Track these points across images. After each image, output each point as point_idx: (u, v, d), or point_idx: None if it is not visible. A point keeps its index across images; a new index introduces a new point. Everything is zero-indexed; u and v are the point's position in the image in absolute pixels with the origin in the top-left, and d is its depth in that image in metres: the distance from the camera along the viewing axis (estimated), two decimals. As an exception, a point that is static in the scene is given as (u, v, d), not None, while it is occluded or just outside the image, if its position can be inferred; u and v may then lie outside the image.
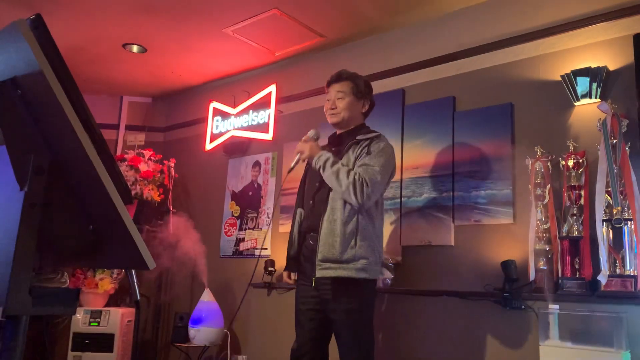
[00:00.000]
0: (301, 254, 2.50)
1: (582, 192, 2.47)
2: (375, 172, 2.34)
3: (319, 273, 2.31)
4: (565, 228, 2.47)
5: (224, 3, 3.20)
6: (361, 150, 2.43)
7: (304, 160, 2.51)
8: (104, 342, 3.71)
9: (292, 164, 2.51)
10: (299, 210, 2.59)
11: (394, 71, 3.36)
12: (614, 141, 2.34)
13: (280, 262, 3.28)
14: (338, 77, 2.56)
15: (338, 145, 2.54)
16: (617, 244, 2.34)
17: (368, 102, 2.59)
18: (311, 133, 2.53)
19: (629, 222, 2.28)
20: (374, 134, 2.49)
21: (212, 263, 3.87)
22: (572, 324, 2.30)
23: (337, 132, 2.60)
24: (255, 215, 3.91)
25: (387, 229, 3.13)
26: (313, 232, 2.41)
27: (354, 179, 2.29)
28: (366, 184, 2.29)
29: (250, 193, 3.99)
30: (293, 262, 2.55)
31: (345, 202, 2.34)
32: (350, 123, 2.54)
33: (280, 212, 3.72)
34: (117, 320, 3.76)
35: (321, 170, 2.38)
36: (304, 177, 2.64)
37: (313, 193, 2.49)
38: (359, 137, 2.47)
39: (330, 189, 2.38)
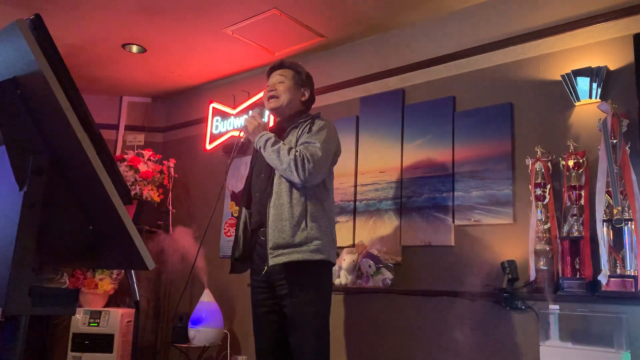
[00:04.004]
0: (255, 253, 2.41)
1: (583, 192, 2.47)
2: (317, 149, 2.28)
3: (272, 261, 2.21)
4: (565, 228, 2.47)
5: (224, 3, 3.20)
6: (301, 131, 2.38)
7: (246, 139, 2.47)
8: (103, 342, 3.70)
9: (242, 139, 2.49)
10: (244, 210, 2.48)
11: (394, 71, 3.36)
12: (614, 141, 2.34)
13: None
14: (280, 64, 2.54)
15: (280, 133, 2.47)
16: (617, 244, 2.33)
17: (309, 92, 2.55)
18: (257, 110, 2.51)
19: (629, 222, 2.28)
20: (314, 115, 2.46)
21: (212, 263, 3.87)
22: (573, 324, 2.30)
23: (277, 120, 2.55)
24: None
25: (387, 229, 3.13)
26: (263, 227, 2.31)
27: (295, 155, 2.23)
28: (307, 159, 2.23)
29: (250, 193, 3.99)
30: (236, 263, 2.46)
31: (290, 185, 2.28)
32: (289, 108, 2.49)
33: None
34: (117, 320, 3.75)
35: (262, 150, 2.33)
36: (249, 175, 2.56)
37: (258, 186, 2.42)
38: (299, 121, 2.43)
39: (272, 177, 2.33)
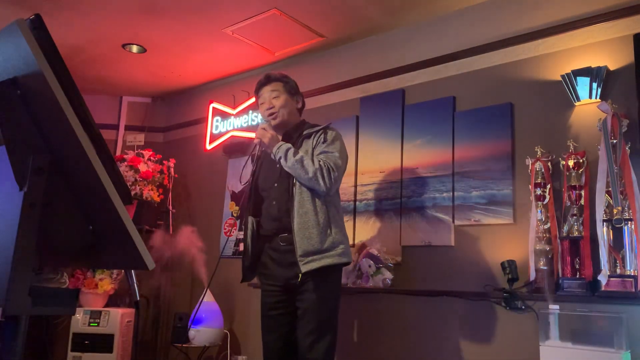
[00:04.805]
0: (266, 258, 2.46)
1: (583, 192, 2.47)
2: (336, 158, 2.39)
3: (304, 268, 2.28)
4: (565, 228, 2.47)
5: (224, 3, 3.20)
6: (316, 141, 2.44)
7: (262, 149, 2.49)
8: (103, 342, 3.70)
9: (256, 152, 2.51)
10: (251, 218, 2.52)
11: (394, 71, 3.36)
12: (614, 141, 2.34)
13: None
14: (267, 79, 2.55)
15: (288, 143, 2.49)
16: (617, 244, 2.33)
17: (301, 98, 2.63)
18: (265, 122, 2.52)
19: (629, 222, 2.28)
20: (323, 125, 2.51)
21: (212, 263, 3.87)
22: (572, 324, 2.30)
23: (283, 132, 2.56)
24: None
25: (387, 229, 3.13)
26: (283, 233, 2.38)
27: (320, 165, 2.32)
28: (332, 169, 2.33)
29: (250, 193, 3.98)
30: (248, 271, 2.52)
31: (311, 193, 2.34)
32: (291, 120, 2.55)
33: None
34: (117, 320, 3.75)
35: (282, 160, 2.37)
36: (254, 184, 2.57)
37: (273, 195, 2.46)
38: (308, 131, 2.49)
39: (290, 186, 2.37)
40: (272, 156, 2.42)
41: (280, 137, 2.48)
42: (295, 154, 2.36)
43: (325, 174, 2.31)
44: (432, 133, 3.08)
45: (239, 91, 4.12)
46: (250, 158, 2.56)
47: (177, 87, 4.62)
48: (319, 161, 2.34)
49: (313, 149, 2.43)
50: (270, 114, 2.51)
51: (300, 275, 2.30)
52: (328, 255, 2.31)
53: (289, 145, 2.40)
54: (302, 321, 2.33)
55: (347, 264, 2.43)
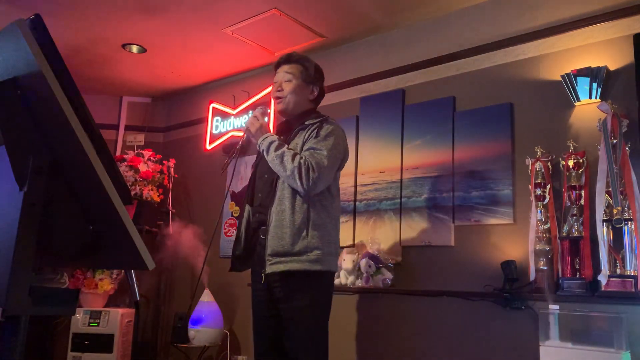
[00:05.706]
0: (255, 253, 2.33)
1: (582, 192, 2.47)
2: (323, 157, 2.18)
3: (269, 269, 2.15)
4: (565, 228, 2.47)
5: (224, 3, 3.20)
6: (309, 135, 2.27)
7: (247, 140, 2.38)
8: (103, 342, 3.70)
9: (242, 140, 2.40)
10: (247, 207, 2.40)
11: (394, 71, 3.36)
12: (614, 141, 2.34)
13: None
14: (288, 59, 2.40)
15: (287, 132, 2.38)
16: (617, 244, 2.33)
17: (318, 88, 2.42)
18: (259, 110, 2.39)
19: (629, 222, 2.28)
20: (323, 117, 2.35)
21: (212, 263, 3.87)
22: (572, 324, 2.30)
23: (285, 119, 2.45)
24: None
25: (387, 229, 3.13)
26: (263, 226, 2.24)
27: (300, 163, 2.13)
28: (312, 168, 2.13)
29: (250, 193, 3.98)
30: (237, 261, 2.38)
31: (293, 191, 2.19)
32: (297, 109, 2.37)
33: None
34: (117, 320, 3.75)
35: (265, 154, 2.24)
36: (253, 173, 2.46)
37: (260, 186, 2.34)
38: (307, 122, 2.32)
39: (277, 179, 2.24)
40: (257, 147, 2.30)
41: (268, 126, 2.35)
42: (278, 147, 2.20)
43: (304, 174, 2.12)
44: (432, 133, 3.08)
45: (239, 91, 4.13)
46: (237, 148, 2.42)
47: (177, 87, 4.62)
48: (301, 159, 2.15)
49: (304, 143, 2.26)
50: (277, 97, 2.37)
51: (263, 275, 2.18)
52: (297, 259, 2.13)
53: (274, 137, 2.25)
54: (287, 331, 2.20)
55: (324, 272, 2.20)
